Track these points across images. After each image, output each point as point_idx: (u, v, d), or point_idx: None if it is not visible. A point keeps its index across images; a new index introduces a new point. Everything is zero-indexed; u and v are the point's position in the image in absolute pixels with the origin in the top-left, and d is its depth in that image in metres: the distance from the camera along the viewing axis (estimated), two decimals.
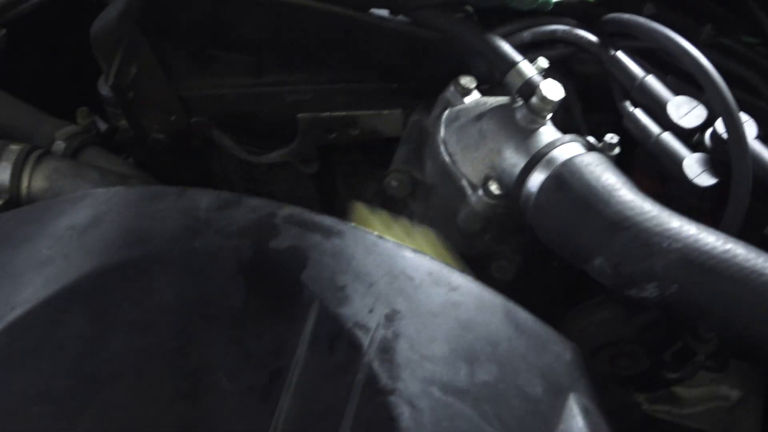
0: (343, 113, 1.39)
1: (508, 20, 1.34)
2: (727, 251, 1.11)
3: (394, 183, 1.26)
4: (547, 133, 1.23)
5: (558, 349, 1.11)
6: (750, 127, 1.25)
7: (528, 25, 1.33)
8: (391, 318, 1.05)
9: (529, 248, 1.28)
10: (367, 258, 1.10)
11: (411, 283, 1.09)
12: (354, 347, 1.02)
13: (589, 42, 1.31)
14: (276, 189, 1.43)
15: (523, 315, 1.11)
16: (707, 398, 1.28)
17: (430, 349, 1.05)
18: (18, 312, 1.06)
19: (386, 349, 1.02)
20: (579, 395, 1.07)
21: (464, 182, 1.21)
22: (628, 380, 1.19)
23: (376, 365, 1.01)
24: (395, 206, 1.30)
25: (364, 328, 1.03)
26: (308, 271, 1.07)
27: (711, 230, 1.13)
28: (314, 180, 1.44)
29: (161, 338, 1.04)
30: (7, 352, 1.05)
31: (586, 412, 1.06)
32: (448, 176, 1.22)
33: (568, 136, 1.23)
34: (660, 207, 1.15)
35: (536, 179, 1.19)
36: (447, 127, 1.24)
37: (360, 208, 1.34)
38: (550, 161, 1.19)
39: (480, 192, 1.20)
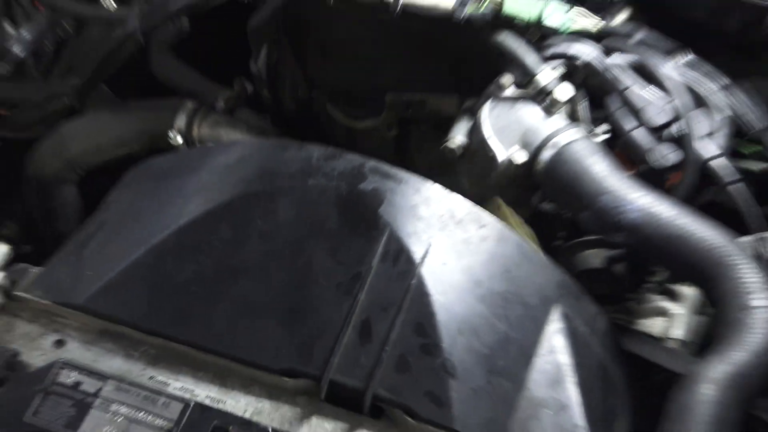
0: (418, 96, 1.40)
1: (542, 37, 1.33)
2: (670, 216, 1.14)
3: (449, 148, 1.26)
4: (558, 121, 1.24)
5: (550, 273, 1.14)
6: (701, 124, 1.27)
7: (553, 42, 1.31)
8: (438, 243, 1.08)
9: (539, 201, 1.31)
10: (425, 200, 1.12)
11: (453, 219, 1.11)
12: (411, 261, 1.05)
13: (592, 57, 1.29)
14: (366, 145, 1.42)
15: (529, 247, 1.14)
16: (652, 312, 1.31)
17: (462, 268, 1.08)
18: (184, 220, 1.11)
19: (433, 265, 1.06)
20: (562, 305, 1.10)
21: (497, 153, 1.22)
22: (600, 297, 1.23)
23: (425, 275, 1.04)
24: (449, 164, 1.32)
25: (420, 248, 1.06)
26: (384, 207, 1.10)
27: (663, 198, 1.15)
28: (394, 141, 1.43)
29: (280, 246, 1.08)
30: (176, 247, 1.09)
31: (566, 317, 1.09)
32: (487, 147, 1.22)
33: (571, 125, 1.24)
34: (630, 180, 1.17)
35: (546, 154, 1.20)
36: (489, 112, 1.24)
37: (500, 202, 1.34)
38: (557, 143, 1.20)
39: (507, 160, 1.21)
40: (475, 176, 1.29)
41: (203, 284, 1.07)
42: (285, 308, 1.04)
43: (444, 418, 0.97)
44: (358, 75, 1.42)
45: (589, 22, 1.30)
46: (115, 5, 1.60)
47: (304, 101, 1.45)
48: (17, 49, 1.60)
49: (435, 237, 1.10)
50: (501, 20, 1.26)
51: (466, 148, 1.28)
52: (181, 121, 1.42)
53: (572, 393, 1.06)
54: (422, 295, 1.04)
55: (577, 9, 1.31)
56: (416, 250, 1.07)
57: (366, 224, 1.10)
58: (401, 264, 1.06)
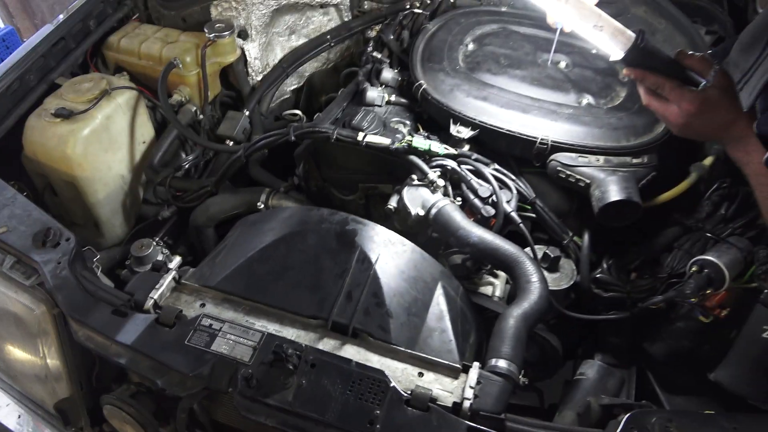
0: (374, 184, 1.35)
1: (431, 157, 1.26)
2: (491, 239, 1.11)
3: (388, 208, 1.21)
4: (438, 195, 1.19)
5: (435, 266, 1.10)
6: (504, 197, 1.22)
7: (436, 159, 1.24)
8: (383, 254, 1.05)
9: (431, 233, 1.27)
10: (376, 233, 1.09)
11: (390, 242, 1.08)
12: (370, 262, 1.03)
13: (453, 165, 1.23)
14: (350, 208, 1.36)
15: (426, 255, 1.10)
16: (486, 283, 1.26)
17: (395, 265, 1.05)
18: (263, 244, 1.08)
19: (381, 264, 1.03)
20: (441, 282, 1.07)
21: (411, 210, 1.18)
22: (460, 277, 1.18)
23: (377, 269, 1.02)
24: (389, 217, 1.25)
25: (374, 256, 1.04)
26: (358, 236, 1.07)
27: (488, 231, 1.13)
28: (363, 206, 1.38)
29: (309, 256, 1.05)
30: (259, 257, 1.06)
31: (443, 287, 1.07)
32: (406, 208, 1.18)
33: (444, 198, 1.19)
34: (473, 223, 1.14)
35: (433, 211, 1.15)
36: (406, 191, 1.20)
37: None
38: (437, 205, 1.16)
39: (415, 214, 1.18)
40: (401, 222, 1.24)
41: (273, 275, 1.04)
42: (311, 285, 1.02)
43: (387, 337, 0.96)
44: (346, 175, 1.38)
45: (451, 150, 1.27)
46: (232, 143, 1.56)
47: (320, 187, 1.41)
48: (186, 164, 1.55)
49: (381, 251, 1.07)
50: (411, 149, 1.24)
51: (396, 209, 1.24)
52: (263, 197, 1.39)
53: (448, 324, 1.05)
54: (376, 278, 1.02)
55: (445, 145, 1.27)
56: (372, 257, 1.05)
57: (349, 245, 1.07)
58: (366, 264, 1.04)
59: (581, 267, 1.26)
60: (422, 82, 1.36)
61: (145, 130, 1.55)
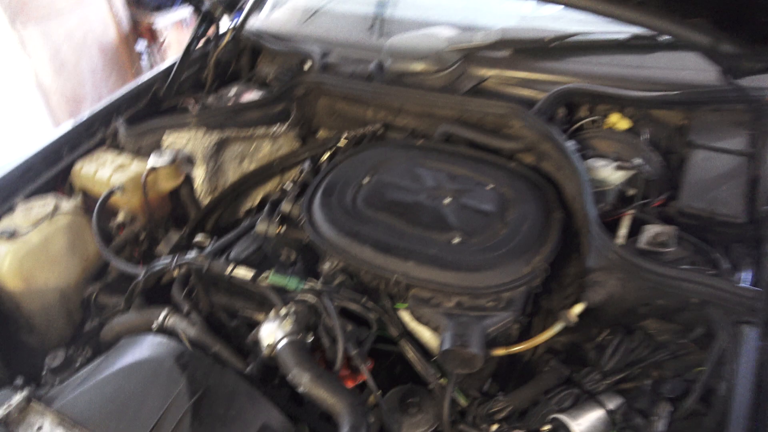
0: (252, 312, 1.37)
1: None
2: (318, 386, 1.10)
3: (248, 342, 1.25)
4: (286, 331, 1.17)
5: (265, 404, 1.08)
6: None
7: (295, 294, 1.26)
8: (207, 390, 1.08)
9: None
10: (208, 369, 1.11)
11: (219, 377, 1.11)
12: (188, 399, 1.06)
13: (315, 301, 1.24)
14: (240, 333, 1.39)
15: (254, 391, 1.10)
16: None
17: (215, 404, 1.07)
18: (108, 371, 1.13)
19: (200, 400, 1.06)
20: (266, 423, 1.06)
21: (263, 344, 1.18)
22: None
23: (195, 406, 1.06)
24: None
25: (197, 392, 1.07)
26: (187, 370, 1.11)
27: (321, 376, 1.10)
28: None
29: (139, 388, 1.09)
30: (102, 385, 1.11)
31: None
32: (260, 341, 1.19)
33: (291, 335, 1.17)
34: (310, 365, 1.12)
35: (277, 347, 1.15)
36: (263, 325, 1.20)
37: None
38: (281, 342, 1.15)
39: (266, 349, 1.17)
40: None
41: (105, 402, 1.08)
42: (131, 416, 1.04)
43: None
44: (227, 301, 1.41)
45: (315, 285, 1.28)
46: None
47: (208, 312, 1.43)
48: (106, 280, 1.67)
49: (208, 385, 1.08)
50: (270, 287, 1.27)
51: (255, 342, 1.24)
52: (161, 318, 1.38)
53: None
54: (192, 414, 1.04)
55: (311, 280, 1.30)
56: (194, 393, 1.06)
57: (175, 379, 1.09)
58: (184, 400, 1.05)
59: (442, 415, 1.22)
60: (303, 215, 1.44)
61: (91, 248, 1.75)
